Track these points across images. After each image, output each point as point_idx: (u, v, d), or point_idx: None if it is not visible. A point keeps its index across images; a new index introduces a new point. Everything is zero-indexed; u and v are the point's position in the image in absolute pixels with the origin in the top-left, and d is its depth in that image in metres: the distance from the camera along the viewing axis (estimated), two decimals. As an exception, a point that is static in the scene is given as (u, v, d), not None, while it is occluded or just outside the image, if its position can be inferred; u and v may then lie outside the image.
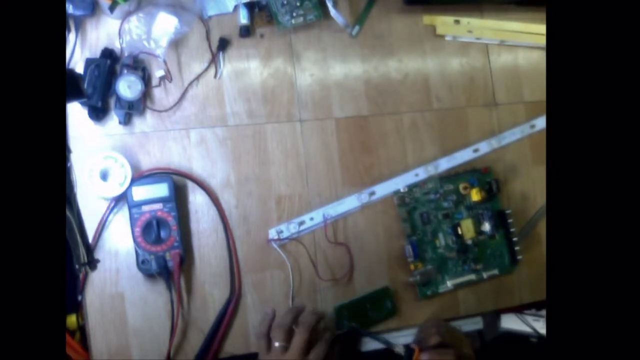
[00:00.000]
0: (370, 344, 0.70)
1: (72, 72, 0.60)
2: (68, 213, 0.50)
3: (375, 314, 0.70)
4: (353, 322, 0.68)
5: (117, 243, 0.65)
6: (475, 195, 0.73)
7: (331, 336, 0.64)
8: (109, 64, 0.65)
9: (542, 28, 0.79)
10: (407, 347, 0.63)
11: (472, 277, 0.74)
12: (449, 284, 0.73)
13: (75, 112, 0.66)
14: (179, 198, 0.66)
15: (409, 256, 0.71)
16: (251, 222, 0.69)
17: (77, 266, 0.52)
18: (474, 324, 0.74)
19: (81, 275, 0.64)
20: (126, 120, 0.67)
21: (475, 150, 0.76)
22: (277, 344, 0.60)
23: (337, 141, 0.72)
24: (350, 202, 0.71)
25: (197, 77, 0.69)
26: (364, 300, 0.70)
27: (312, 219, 0.70)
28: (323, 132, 0.72)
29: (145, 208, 0.64)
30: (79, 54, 0.66)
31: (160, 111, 0.68)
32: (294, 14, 0.71)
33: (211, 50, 0.70)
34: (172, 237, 0.64)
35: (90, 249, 0.54)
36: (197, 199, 0.68)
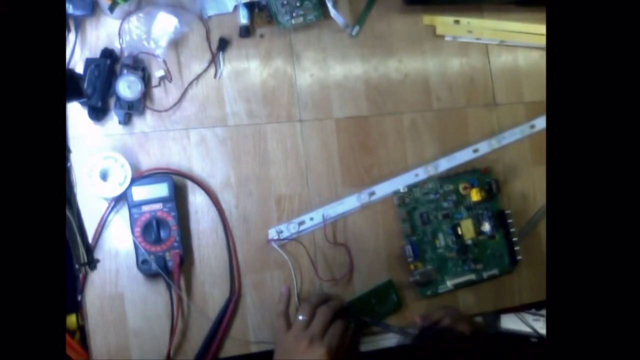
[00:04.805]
0: (370, 345, 0.70)
1: (72, 72, 0.61)
2: (68, 213, 0.50)
3: (381, 309, 0.70)
4: (364, 316, 0.69)
5: (117, 243, 0.65)
6: (475, 196, 0.73)
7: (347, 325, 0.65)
8: (109, 64, 0.65)
9: (542, 28, 0.79)
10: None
11: (472, 277, 0.74)
12: (449, 284, 0.73)
13: (75, 112, 0.66)
14: (178, 198, 0.66)
15: (409, 256, 0.71)
16: (251, 222, 0.69)
17: (77, 266, 0.52)
18: (474, 324, 0.74)
19: (81, 276, 0.64)
20: (126, 120, 0.67)
21: (475, 151, 0.76)
22: (301, 317, 0.62)
23: (337, 141, 0.72)
24: (350, 202, 0.71)
25: (197, 77, 0.69)
26: (369, 295, 0.70)
27: (312, 219, 0.70)
28: (323, 132, 0.72)
29: (145, 208, 0.64)
30: (79, 54, 0.66)
31: (160, 111, 0.68)
32: (294, 14, 0.71)
33: (211, 50, 0.70)
34: (172, 237, 0.64)
35: (90, 249, 0.54)
36: (197, 199, 0.68)
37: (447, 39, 0.77)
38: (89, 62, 0.65)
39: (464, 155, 0.75)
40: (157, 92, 0.68)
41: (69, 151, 0.53)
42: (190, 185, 0.68)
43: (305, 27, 0.73)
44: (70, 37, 0.65)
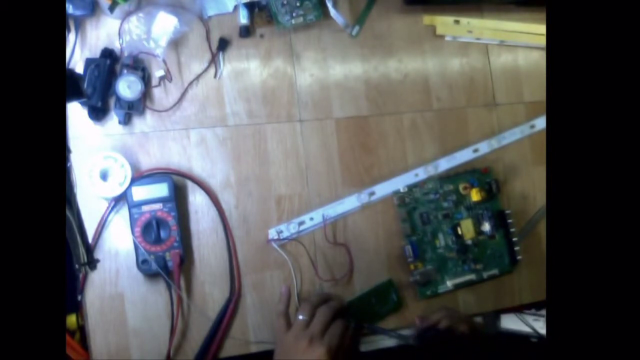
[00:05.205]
0: (370, 345, 0.70)
1: (72, 72, 0.61)
2: (68, 213, 0.50)
3: (381, 309, 0.71)
4: (364, 323, 0.68)
5: (117, 243, 0.65)
6: (475, 195, 0.73)
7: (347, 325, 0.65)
8: (109, 64, 0.65)
9: (542, 28, 0.79)
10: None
11: (472, 277, 0.74)
12: (449, 284, 0.73)
13: (75, 112, 0.66)
14: (178, 198, 0.66)
15: (409, 256, 0.71)
16: (251, 222, 0.69)
17: (77, 266, 0.52)
18: (474, 324, 0.74)
19: (81, 275, 0.64)
20: (126, 120, 0.67)
21: (475, 150, 0.76)
22: (301, 317, 0.62)
23: (337, 141, 0.72)
24: (350, 202, 0.71)
25: (197, 77, 0.69)
26: (369, 295, 0.70)
27: (312, 219, 0.70)
28: (323, 132, 0.72)
29: (145, 208, 0.64)
30: (79, 54, 0.66)
31: (160, 111, 0.68)
32: (294, 14, 0.71)
33: (211, 50, 0.70)
34: (172, 237, 0.64)
35: (90, 249, 0.54)
36: (197, 199, 0.68)
37: (447, 39, 0.77)
38: (89, 62, 0.65)
39: (464, 155, 0.75)
40: (157, 92, 0.68)
41: (69, 151, 0.53)
42: (190, 185, 0.68)
43: (305, 27, 0.73)
44: (70, 37, 0.65)
